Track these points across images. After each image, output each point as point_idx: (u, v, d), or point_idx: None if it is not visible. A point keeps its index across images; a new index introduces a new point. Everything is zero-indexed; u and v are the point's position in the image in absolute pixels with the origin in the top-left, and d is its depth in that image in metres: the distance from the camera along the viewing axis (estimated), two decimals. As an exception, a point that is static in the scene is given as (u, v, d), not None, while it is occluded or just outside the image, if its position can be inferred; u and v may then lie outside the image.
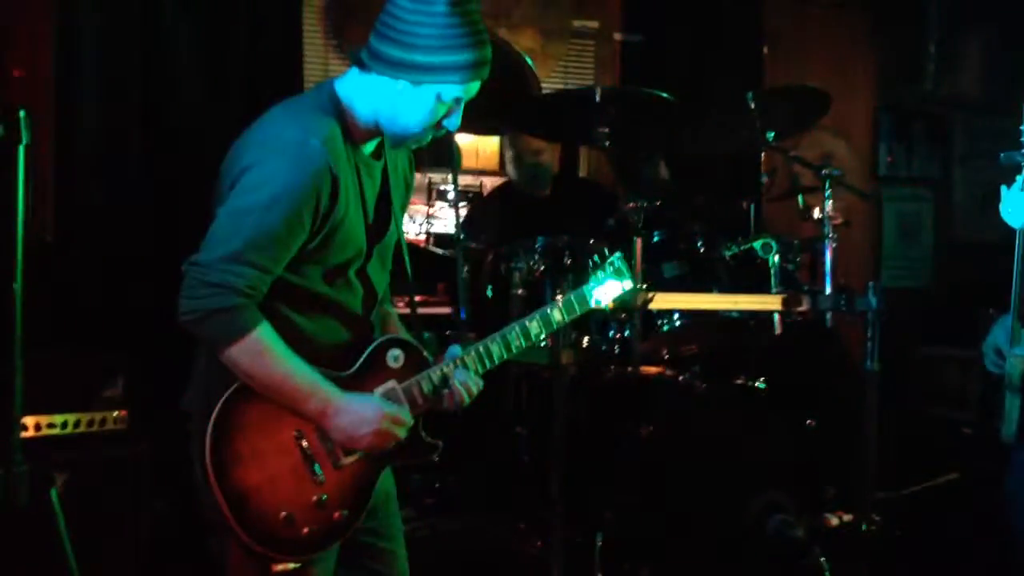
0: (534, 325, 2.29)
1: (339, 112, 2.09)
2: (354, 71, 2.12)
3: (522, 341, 2.26)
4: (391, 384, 2.12)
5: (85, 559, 2.22)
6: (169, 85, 3.99)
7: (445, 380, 2.15)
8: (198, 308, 1.91)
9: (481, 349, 2.22)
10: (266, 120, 2.08)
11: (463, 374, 2.17)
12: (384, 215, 2.19)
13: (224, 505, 1.93)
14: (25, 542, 2.00)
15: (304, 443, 2.02)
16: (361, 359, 2.10)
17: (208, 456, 1.93)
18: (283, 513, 1.97)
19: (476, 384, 2.20)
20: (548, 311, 2.31)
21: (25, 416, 2.80)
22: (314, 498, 2.01)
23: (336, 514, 2.04)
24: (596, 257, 2.42)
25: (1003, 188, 3.38)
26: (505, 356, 2.24)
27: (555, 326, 2.34)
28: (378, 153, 2.20)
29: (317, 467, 2.02)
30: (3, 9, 3.08)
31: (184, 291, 1.93)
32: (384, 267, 2.24)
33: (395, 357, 2.14)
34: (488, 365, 2.22)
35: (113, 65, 3.89)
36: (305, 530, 2.00)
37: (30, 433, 2.90)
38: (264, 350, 1.96)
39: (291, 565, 1.99)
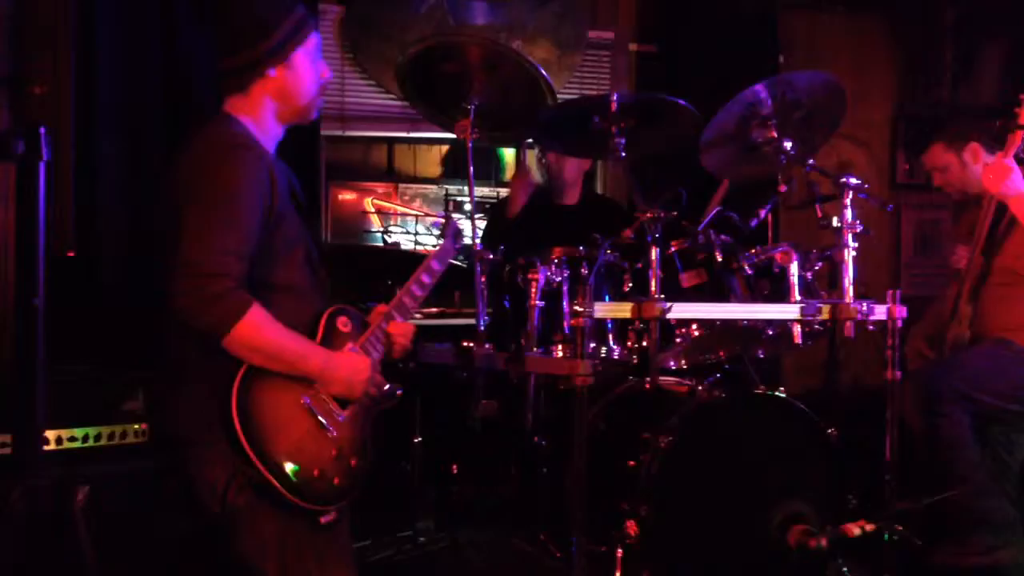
0: (424, 276, 2.70)
1: (247, 129, 2.37)
2: (236, 97, 2.39)
3: (422, 290, 2.69)
4: (350, 345, 2.43)
5: (106, 571, 2.24)
6: (188, 100, 4.02)
7: (388, 335, 2.54)
8: (201, 298, 2.12)
9: (399, 304, 2.60)
10: (203, 142, 2.33)
11: (396, 326, 2.56)
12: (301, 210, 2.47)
13: (272, 480, 2.16)
14: (48, 554, 2.01)
15: (311, 406, 2.28)
16: (321, 329, 2.39)
17: (245, 443, 2.14)
18: (316, 470, 2.24)
19: (407, 331, 2.58)
20: (430, 263, 2.74)
21: (47, 430, 2.82)
22: (333, 452, 2.29)
23: (352, 461, 2.33)
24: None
25: None
26: (416, 302, 2.67)
27: (436, 275, 2.75)
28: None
29: (326, 424, 2.29)
30: (25, 26, 3.10)
31: (179, 287, 2.13)
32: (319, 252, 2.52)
33: (344, 323, 2.45)
34: (407, 316, 2.61)
35: (133, 79, 3.92)
36: (336, 481, 2.27)
37: (52, 446, 2.92)
38: (263, 322, 2.19)
39: (332, 515, 2.29)
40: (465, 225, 4.84)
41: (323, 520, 2.27)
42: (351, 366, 2.37)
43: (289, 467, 2.20)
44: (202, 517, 2.33)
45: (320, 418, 2.29)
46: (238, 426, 2.14)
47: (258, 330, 2.19)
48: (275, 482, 2.17)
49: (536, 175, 4.49)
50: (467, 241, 4.74)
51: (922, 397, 3.54)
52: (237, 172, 2.24)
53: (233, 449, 2.16)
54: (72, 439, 3.04)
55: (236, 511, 2.24)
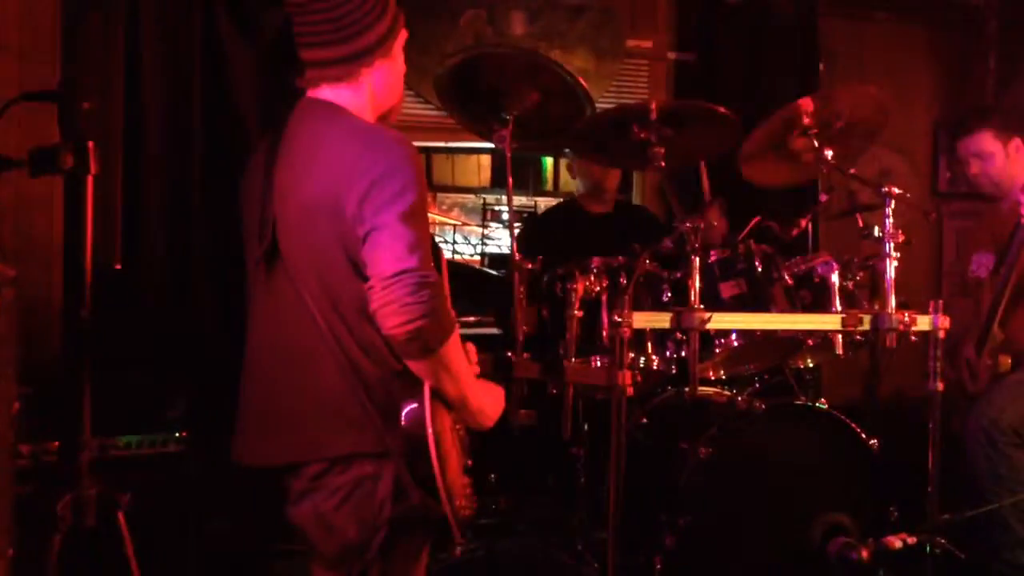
0: None
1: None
2: (331, 89, 2.17)
3: None
4: None
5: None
6: (228, 113, 4.06)
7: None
8: (426, 311, 1.91)
9: None
10: (358, 131, 2.11)
11: None
12: None
13: (447, 505, 2.02)
14: (92, 564, 2.04)
15: (460, 432, 2.20)
16: None
17: (436, 468, 1.99)
18: (459, 500, 2.11)
19: None
20: None
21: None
22: (465, 482, 2.19)
23: (471, 493, 2.21)
24: None
25: None
26: None
27: None
28: None
29: (466, 453, 2.22)
30: (74, 41, 3.16)
31: (403, 298, 1.91)
32: None
33: None
34: None
35: (175, 93, 3.97)
36: (467, 512, 2.16)
37: (94, 454, 2.95)
38: (459, 342, 2.07)
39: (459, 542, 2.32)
40: (503, 235, 4.88)
41: (457, 551, 2.28)
42: (497, 397, 2.29)
43: (452, 493, 2.08)
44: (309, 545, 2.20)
45: (465, 446, 2.22)
46: (434, 454, 1.98)
47: (457, 351, 2.06)
48: (447, 509, 2.04)
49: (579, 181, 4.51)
50: (495, 251, 4.78)
51: (983, 439, 3.45)
52: (413, 165, 2.03)
53: (416, 480, 2.01)
54: (115, 447, 3.08)
55: (370, 540, 2.09)
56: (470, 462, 2.22)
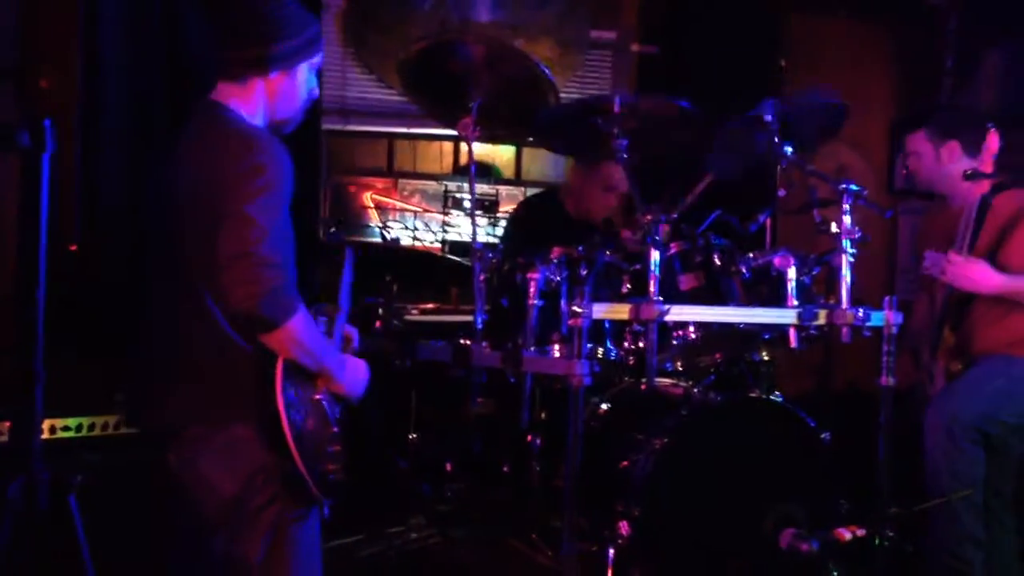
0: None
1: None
2: (227, 86, 2.40)
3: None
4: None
5: (100, 561, 2.24)
6: (191, 89, 4.00)
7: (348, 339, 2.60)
8: (266, 288, 2.10)
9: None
10: (231, 131, 2.32)
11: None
12: None
13: (305, 472, 2.20)
14: (43, 546, 2.02)
15: (323, 403, 2.34)
16: (327, 327, 2.46)
17: (289, 436, 2.17)
18: (325, 465, 2.30)
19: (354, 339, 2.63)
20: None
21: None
22: (333, 448, 2.35)
23: (341, 458, 2.37)
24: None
25: None
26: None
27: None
28: None
29: (332, 419, 2.36)
30: (31, 19, 3.10)
31: (241, 279, 2.10)
32: None
33: (322, 322, 2.48)
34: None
35: (137, 73, 3.91)
36: (333, 477, 2.33)
37: (45, 435, 2.91)
38: (310, 318, 2.25)
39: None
40: (464, 223, 4.87)
41: (326, 512, 2.34)
42: (361, 370, 2.46)
43: (313, 459, 2.25)
44: (186, 509, 2.36)
45: (330, 415, 2.35)
46: (285, 419, 2.17)
47: (306, 325, 2.22)
48: (306, 475, 2.21)
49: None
50: (456, 238, 4.77)
51: (942, 435, 3.48)
52: (273, 158, 2.24)
53: (270, 439, 2.18)
54: (66, 428, 3.04)
55: (246, 506, 2.26)
56: (335, 429, 2.36)
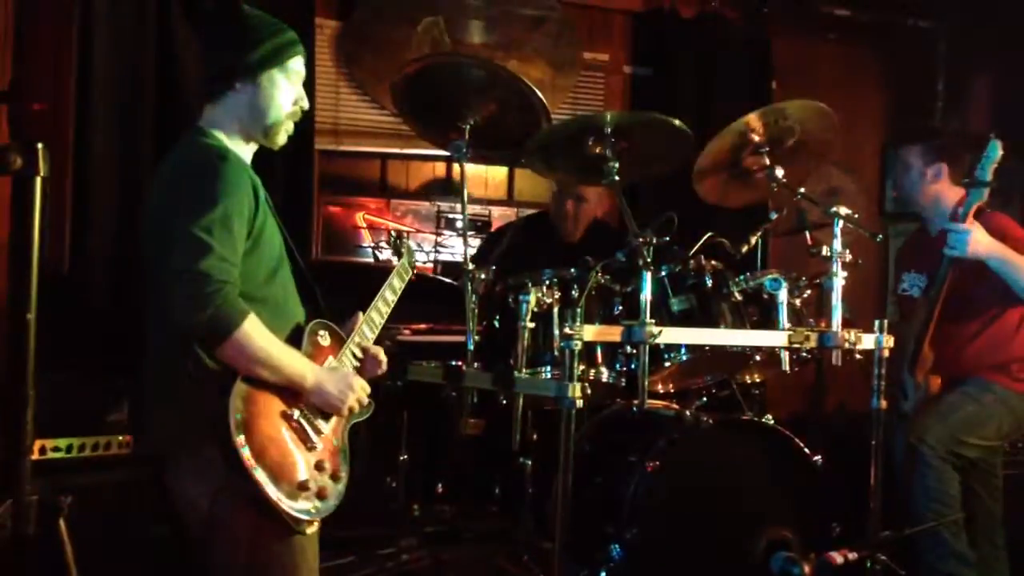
0: (388, 294, 2.77)
1: (221, 141, 2.40)
2: (208, 108, 2.45)
3: (387, 307, 2.76)
4: (330, 358, 2.48)
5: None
6: (183, 118, 4.02)
7: (365, 351, 2.59)
8: (206, 304, 2.13)
9: (369, 319, 2.65)
10: (184, 152, 2.39)
11: (373, 346, 2.61)
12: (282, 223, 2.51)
13: (265, 490, 2.15)
14: (32, 569, 2.00)
15: (297, 417, 2.31)
16: (304, 342, 2.42)
17: (243, 453, 2.14)
18: (298, 481, 2.24)
19: (380, 352, 2.62)
20: (392, 280, 2.82)
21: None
22: (315, 461, 2.30)
23: (332, 472, 2.33)
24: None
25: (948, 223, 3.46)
26: (384, 319, 2.71)
27: (398, 291, 2.83)
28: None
29: (311, 434, 2.32)
30: (26, 43, 3.11)
31: (179, 292, 2.14)
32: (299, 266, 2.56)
33: (323, 337, 2.48)
34: (376, 331, 2.66)
35: (128, 98, 3.93)
36: (316, 490, 2.27)
37: (35, 456, 2.90)
38: (259, 329, 2.23)
39: (315, 525, 2.30)
40: (456, 243, 4.87)
41: (308, 530, 2.28)
42: (343, 382, 2.41)
43: (280, 476, 2.20)
44: (181, 530, 2.34)
45: (307, 430, 2.32)
46: (235, 437, 2.14)
47: (255, 336, 2.21)
48: (267, 492, 2.16)
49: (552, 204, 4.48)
50: (448, 258, 4.77)
51: (911, 453, 3.52)
52: (224, 180, 2.25)
53: (227, 460, 2.15)
54: (56, 449, 3.03)
55: (218, 523, 2.24)
56: (316, 445, 2.32)
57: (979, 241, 3.43)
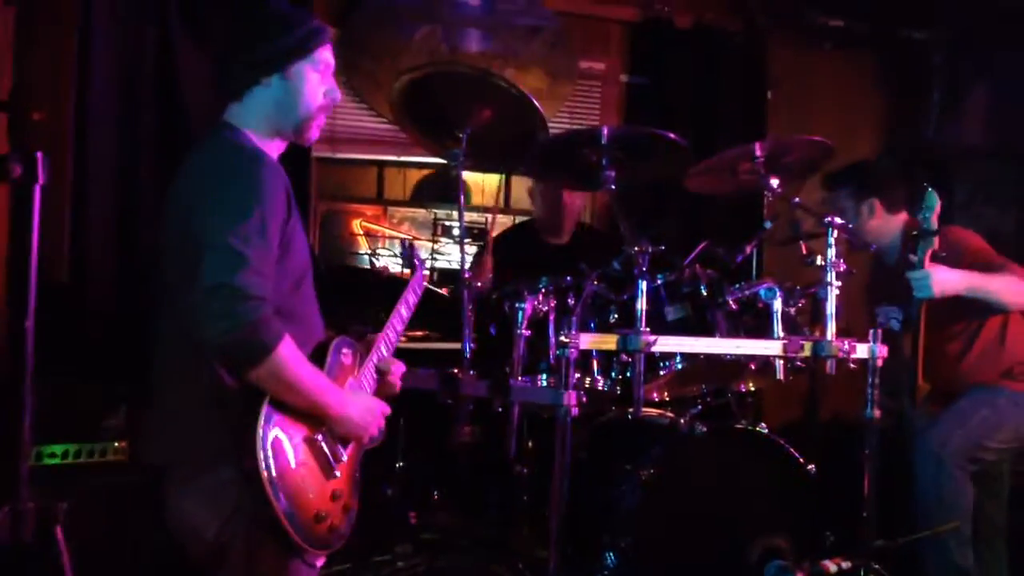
0: (403, 310, 2.65)
1: (251, 140, 2.24)
2: (233, 106, 2.28)
3: (402, 324, 2.65)
4: (350, 380, 2.35)
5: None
6: (180, 124, 4.03)
7: (383, 372, 2.46)
8: (241, 324, 1.97)
9: (386, 338, 2.53)
10: (214, 153, 2.22)
11: (394, 365, 2.49)
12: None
13: (283, 519, 2.04)
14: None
15: (320, 444, 2.17)
16: (327, 361, 2.27)
17: (265, 478, 2.01)
18: (314, 511, 2.12)
19: (399, 370, 2.50)
20: (407, 296, 2.69)
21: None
22: (331, 492, 2.18)
23: (344, 502, 2.23)
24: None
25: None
26: (399, 336, 2.61)
27: (413, 307, 2.72)
28: None
29: (332, 461, 2.20)
30: (26, 53, 3.11)
31: (216, 311, 1.97)
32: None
33: (347, 355, 2.35)
34: (392, 350, 2.54)
35: (127, 107, 3.94)
36: (332, 523, 2.17)
37: (31, 462, 2.90)
38: (294, 354, 2.08)
39: (323, 559, 2.22)
40: (453, 250, 4.88)
41: (318, 564, 2.19)
42: (367, 407, 2.30)
43: (297, 506, 2.08)
44: (177, 548, 2.24)
45: (329, 457, 2.20)
46: (261, 464, 2.01)
47: (290, 362, 2.06)
48: (286, 523, 2.05)
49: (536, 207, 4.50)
50: (445, 266, 4.79)
51: (932, 464, 3.53)
52: (260, 184, 2.10)
53: (249, 483, 2.03)
54: (52, 455, 3.03)
55: (225, 551, 2.13)
56: (337, 473, 2.21)
57: (946, 280, 3.41)
